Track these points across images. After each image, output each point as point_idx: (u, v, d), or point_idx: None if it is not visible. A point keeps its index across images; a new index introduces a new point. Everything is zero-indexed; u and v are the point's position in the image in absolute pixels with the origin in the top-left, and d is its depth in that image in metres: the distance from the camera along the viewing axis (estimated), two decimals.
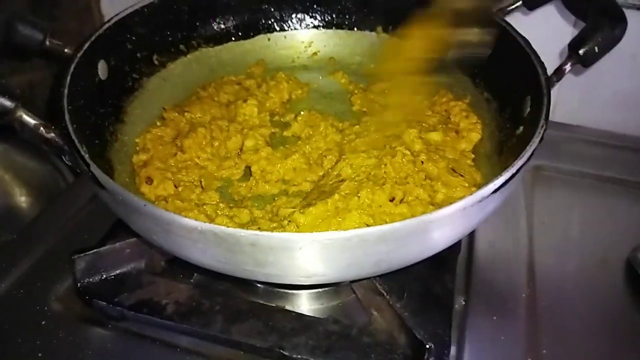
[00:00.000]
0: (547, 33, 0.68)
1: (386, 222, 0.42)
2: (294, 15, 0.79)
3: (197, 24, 0.74)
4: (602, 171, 0.76)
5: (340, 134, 0.65)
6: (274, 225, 0.53)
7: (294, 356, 0.51)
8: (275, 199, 0.59)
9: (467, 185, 0.56)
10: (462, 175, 0.58)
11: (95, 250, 0.56)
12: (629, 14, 0.57)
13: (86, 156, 0.46)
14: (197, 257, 0.45)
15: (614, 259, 0.64)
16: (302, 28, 0.79)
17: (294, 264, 0.43)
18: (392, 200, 0.54)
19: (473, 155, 0.62)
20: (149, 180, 0.59)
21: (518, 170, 0.45)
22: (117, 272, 0.57)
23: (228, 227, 0.40)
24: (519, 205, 0.70)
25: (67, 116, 0.49)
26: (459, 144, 0.63)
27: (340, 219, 0.51)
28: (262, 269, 0.44)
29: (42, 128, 0.47)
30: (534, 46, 0.58)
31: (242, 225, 0.55)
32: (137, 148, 0.63)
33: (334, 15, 0.78)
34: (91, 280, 0.56)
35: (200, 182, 0.61)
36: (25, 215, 0.85)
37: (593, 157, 0.79)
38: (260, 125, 0.68)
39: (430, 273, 0.57)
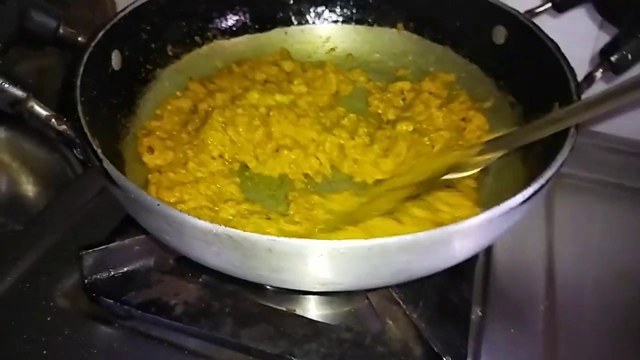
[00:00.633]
0: (571, 35, 0.66)
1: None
2: (312, 9, 0.76)
3: (213, 15, 0.72)
4: (623, 180, 0.74)
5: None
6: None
7: None
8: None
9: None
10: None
11: (103, 247, 0.55)
12: None
13: (98, 151, 0.44)
14: (210, 260, 0.44)
15: (635, 270, 0.62)
16: (320, 22, 0.77)
17: (311, 271, 0.41)
18: None
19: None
20: (150, 150, 0.58)
21: (547, 181, 0.43)
22: (125, 269, 0.56)
23: (245, 231, 0.39)
24: (538, 214, 0.68)
25: (79, 108, 0.47)
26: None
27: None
28: (277, 275, 0.42)
29: (53, 120, 0.45)
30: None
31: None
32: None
33: (353, 10, 0.76)
34: (98, 277, 0.55)
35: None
36: (32, 204, 0.84)
37: (614, 165, 0.77)
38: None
39: (447, 282, 0.55)
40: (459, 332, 0.52)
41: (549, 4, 0.63)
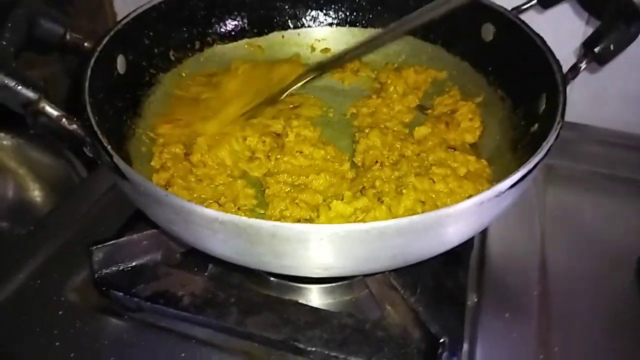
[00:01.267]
0: (559, 31, 0.68)
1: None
2: (307, 13, 0.79)
3: (213, 20, 0.75)
4: (613, 171, 0.76)
5: None
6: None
7: (309, 349, 0.52)
8: None
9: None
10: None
11: (113, 242, 0.57)
12: None
13: (109, 147, 0.46)
14: (217, 248, 0.46)
15: (626, 258, 0.64)
16: (315, 25, 0.80)
17: (312, 255, 0.43)
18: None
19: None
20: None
21: (535, 166, 0.46)
22: (134, 263, 0.58)
23: (249, 217, 0.41)
24: (531, 204, 0.70)
25: (89, 107, 0.49)
26: (448, 134, 0.65)
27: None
28: (281, 261, 0.44)
29: (64, 119, 0.47)
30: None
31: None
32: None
33: (348, 13, 0.78)
34: (108, 271, 0.57)
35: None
36: (38, 209, 0.86)
37: (604, 157, 0.79)
38: None
39: (443, 269, 0.58)
40: (456, 315, 0.54)
41: (534, 1, 0.66)
